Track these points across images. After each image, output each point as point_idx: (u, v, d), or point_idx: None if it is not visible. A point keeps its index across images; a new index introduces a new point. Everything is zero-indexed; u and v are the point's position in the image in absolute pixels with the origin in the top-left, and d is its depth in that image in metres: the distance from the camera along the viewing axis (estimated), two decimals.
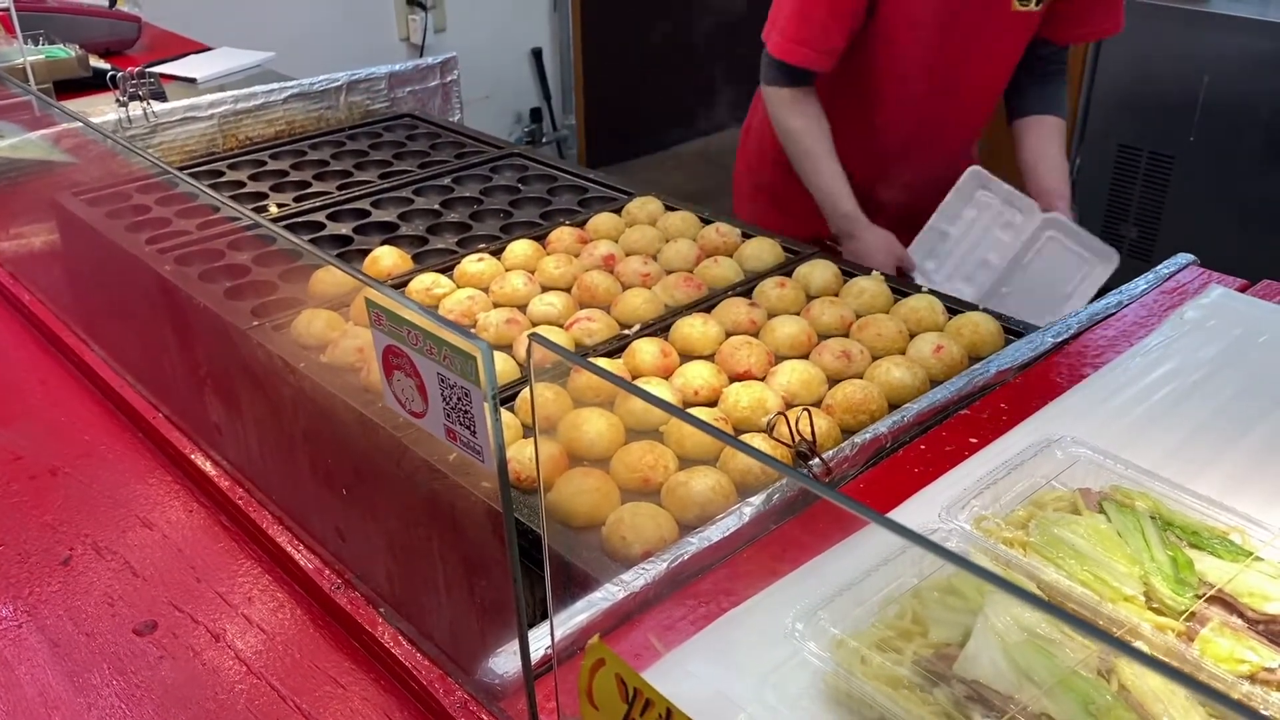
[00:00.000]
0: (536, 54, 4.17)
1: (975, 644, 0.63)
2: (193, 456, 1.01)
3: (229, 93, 1.87)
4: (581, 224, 1.53)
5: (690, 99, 4.57)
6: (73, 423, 1.11)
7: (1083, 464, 0.82)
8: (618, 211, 1.56)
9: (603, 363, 1.17)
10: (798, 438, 0.97)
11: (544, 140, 4.28)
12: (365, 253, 1.45)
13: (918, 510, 0.86)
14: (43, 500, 0.99)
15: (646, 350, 1.18)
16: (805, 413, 0.98)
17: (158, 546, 0.93)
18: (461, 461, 0.62)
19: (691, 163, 4.53)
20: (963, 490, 0.79)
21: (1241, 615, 0.68)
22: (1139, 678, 0.62)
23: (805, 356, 1.19)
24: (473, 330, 1.16)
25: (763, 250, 1.42)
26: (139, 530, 0.95)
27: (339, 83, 1.98)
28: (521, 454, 0.99)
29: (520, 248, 1.43)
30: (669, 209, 1.56)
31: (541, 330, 1.25)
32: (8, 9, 1.84)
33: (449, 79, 2.13)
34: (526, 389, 1.11)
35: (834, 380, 1.14)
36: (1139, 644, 0.65)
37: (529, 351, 0.57)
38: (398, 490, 0.79)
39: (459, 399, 0.57)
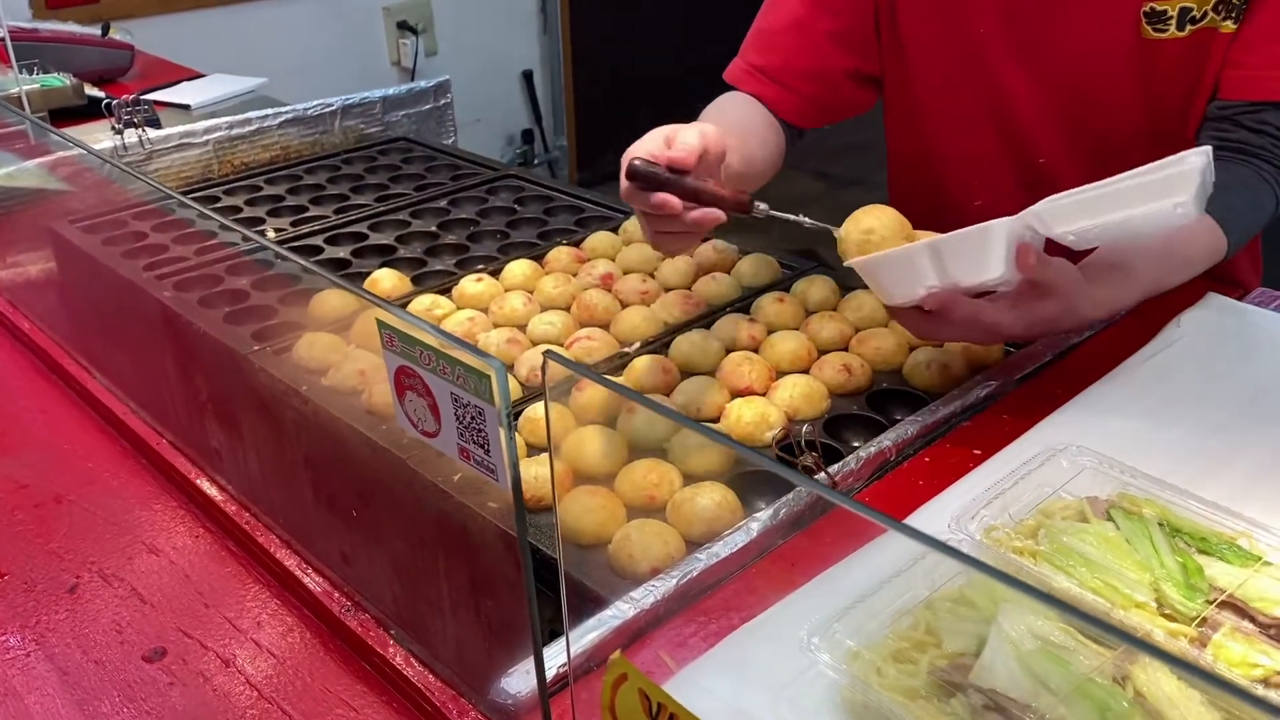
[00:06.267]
0: (527, 76, 4.19)
1: (990, 653, 0.63)
2: (198, 481, 1.01)
3: (224, 119, 1.87)
4: (578, 243, 1.53)
5: (682, 116, 4.59)
6: (75, 450, 1.11)
7: (1089, 472, 0.82)
8: (614, 230, 1.56)
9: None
10: (800, 452, 0.97)
11: (536, 161, 4.30)
12: (364, 275, 1.45)
13: (925, 522, 0.86)
14: (47, 528, 0.99)
15: (647, 367, 1.18)
16: (810, 427, 0.98)
17: (165, 572, 0.93)
18: (474, 481, 0.63)
19: None
20: (971, 500, 0.79)
21: (1253, 620, 0.68)
22: (1154, 684, 0.62)
23: (806, 371, 1.20)
24: None
25: (760, 267, 1.43)
26: (145, 556, 0.95)
27: (334, 107, 1.99)
28: (527, 473, 0.99)
29: (519, 268, 1.44)
30: None
31: (541, 349, 1.25)
32: (2, 39, 1.85)
33: (443, 102, 2.14)
34: (531, 407, 1.11)
35: (836, 394, 1.15)
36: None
37: (544, 368, 0.58)
38: (407, 512, 0.79)
39: (472, 418, 0.57)
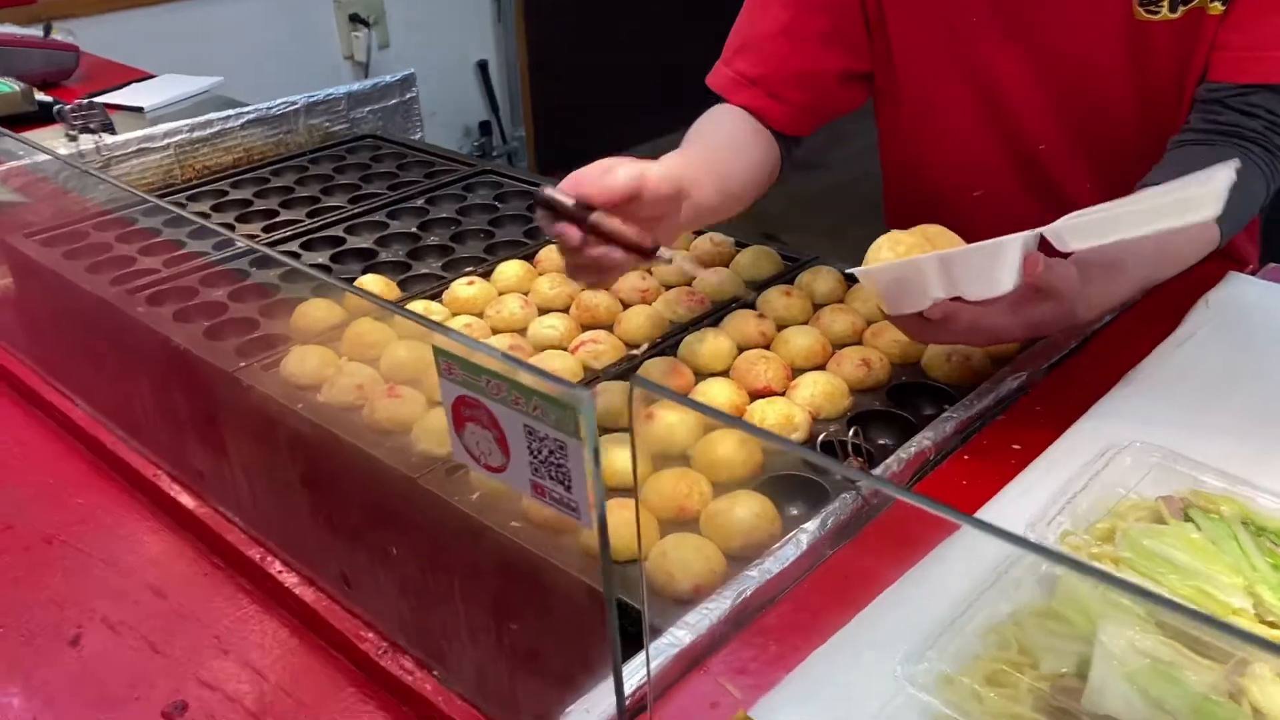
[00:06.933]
0: (482, 66, 4.11)
1: (1099, 675, 0.59)
2: (200, 514, 0.95)
3: (184, 121, 1.79)
4: None
5: (638, 102, 4.54)
6: (62, 485, 1.04)
7: (1157, 470, 0.79)
8: None
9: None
10: (845, 456, 0.93)
11: (495, 153, 4.22)
12: (347, 282, 1.38)
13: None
14: (41, 573, 0.92)
15: (659, 370, 1.13)
16: (855, 430, 0.94)
17: (175, 617, 0.86)
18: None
19: None
20: (1045, 505, 0.76)
21: None
22: (1269, 698, 0.59)
23: (822, 367, 1.16)
24: None
25: (760, 259, 1.39)
26: (151, 600, 0.88)
27: (297, 105, 1.91)
28: None
29: (511, 269, 1.38)
30: None
31: (547, 355, 1.20)
32: None
33: (408, 96, 2.07)
34: None
35: (855, 390, 1.11)
36: (1259, 663, 0.62)
37: (631, 395, 0.53)
38: (464, 546, 0.74)
39: (550, 452, 0.52)
